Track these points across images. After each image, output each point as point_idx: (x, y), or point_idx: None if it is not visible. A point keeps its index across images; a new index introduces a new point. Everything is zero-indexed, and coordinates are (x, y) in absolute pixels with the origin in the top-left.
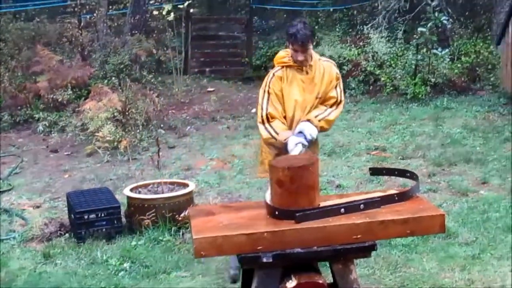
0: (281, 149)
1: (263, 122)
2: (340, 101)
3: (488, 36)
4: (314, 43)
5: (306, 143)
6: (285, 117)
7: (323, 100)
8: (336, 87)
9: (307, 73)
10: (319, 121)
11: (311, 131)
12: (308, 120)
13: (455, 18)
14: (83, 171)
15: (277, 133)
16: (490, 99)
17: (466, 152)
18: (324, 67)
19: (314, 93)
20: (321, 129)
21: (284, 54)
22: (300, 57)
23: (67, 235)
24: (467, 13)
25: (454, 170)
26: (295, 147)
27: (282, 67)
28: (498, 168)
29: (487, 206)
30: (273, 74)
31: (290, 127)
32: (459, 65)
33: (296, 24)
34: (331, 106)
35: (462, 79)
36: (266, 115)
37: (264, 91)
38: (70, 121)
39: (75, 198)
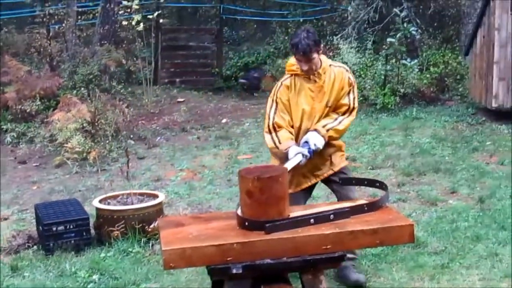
0: (284, 158)
1: (269, 132)
2: (353, 108)
3: (456, 46)
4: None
5: (307, 154)
6: (293, 127)
7: (334, 108)
8: (349, 93)
9: (315, 81)
10: (328, 130)
11: (316, 141)
12: (315, 130)
13: (424, 29)
14: (51, 183)
15: (280, 143)
16: (458, 109)
17: (435, 162)
18: (335, 73)
19: (324, 101)
20: (330, 139)
21: (293, 62)
22: (304, 67)
23: (35, 247)
24: (435, 24)
25: (423, 179)
26: (294, 157)
27: (291, 75)
28: (466, 178)
29: (456, 215)
30: (281, 83)
31: (297, 137)
32: (428, 75)
33: (300, 33)
34: (343, 114)
35: (431, 89)
36: (273, 124)
37: (272, 100)
38: (38, 132)
39: (44, 210)
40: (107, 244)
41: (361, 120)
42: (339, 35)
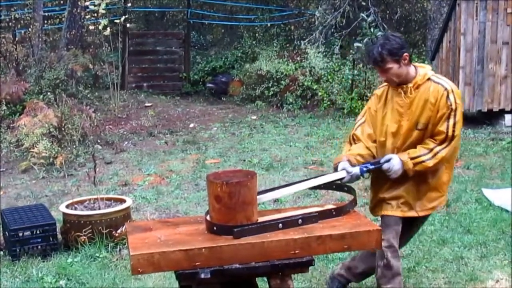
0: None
1: (349, 142)
2: (452, 136)
3: (422, 51)
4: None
5: (354, 171)
6: (376, 141)
7: (431, 134)
8: (448, 118)
9: (405, 95)
10: (416, 164)
11: (393, 171)
12: (401, 160)
13: None
14: (18, 188)
15: None
16: None
17: None
18: (430, 91)
19: (412, 121)
20: (415, 173)
21: None
22: (382, 77)
23: (1, 253)
24: (402, 29)
25: None
26: (338, 172)
27: (387, 84)
28: None
29: None
30: (374, 91)
31: (382, 153)
32: None
33: (379, 40)
34: (440, 143)
35: None
36: (352, 135)
37: (365, 108)
38: (4, 137)
39: (10, 215)
40: (74, 249)
41: (328, 124)
42: (307, 40)
